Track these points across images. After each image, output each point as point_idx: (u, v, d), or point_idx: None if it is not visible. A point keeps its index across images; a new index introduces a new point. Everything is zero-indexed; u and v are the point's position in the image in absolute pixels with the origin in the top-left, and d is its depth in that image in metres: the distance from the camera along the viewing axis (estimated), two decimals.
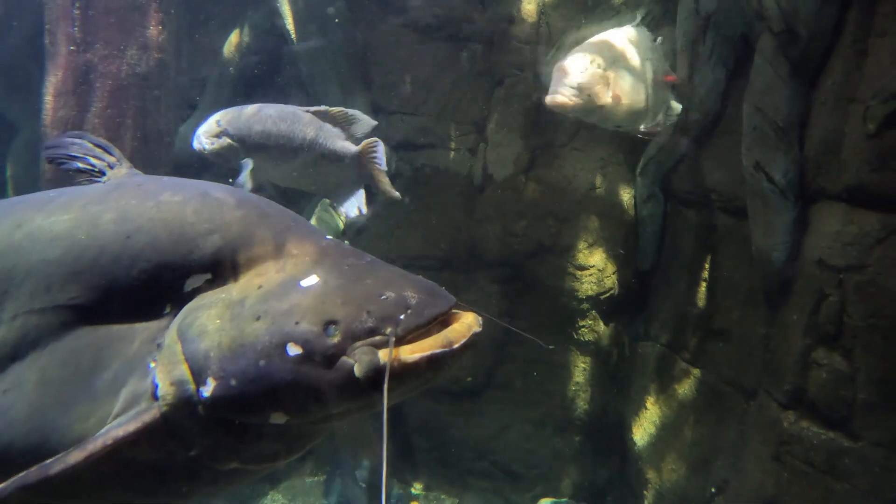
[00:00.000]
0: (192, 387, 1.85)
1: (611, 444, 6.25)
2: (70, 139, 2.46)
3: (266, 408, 1.86)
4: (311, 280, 1.95)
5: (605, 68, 4.13)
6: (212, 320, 1.91)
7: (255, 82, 6.85)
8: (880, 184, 3.52)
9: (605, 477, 6.33)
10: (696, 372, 5.36)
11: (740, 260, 4.90)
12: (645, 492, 5.58)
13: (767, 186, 4.29)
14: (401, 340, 1.84)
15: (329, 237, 2.18)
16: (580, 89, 4.04)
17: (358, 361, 1.80)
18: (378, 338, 1.83)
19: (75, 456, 1.76)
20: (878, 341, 3.58)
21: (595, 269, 6.09)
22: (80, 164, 2.42)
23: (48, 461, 1.77)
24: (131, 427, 1.80)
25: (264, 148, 4.40)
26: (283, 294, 1.92)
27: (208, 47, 6.73)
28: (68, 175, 2.45)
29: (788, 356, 4.12)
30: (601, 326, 6.25)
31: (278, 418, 1.88)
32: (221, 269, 2.04)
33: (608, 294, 6.15)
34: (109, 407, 1.91)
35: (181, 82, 5.84)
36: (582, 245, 6.12)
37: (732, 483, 4.70)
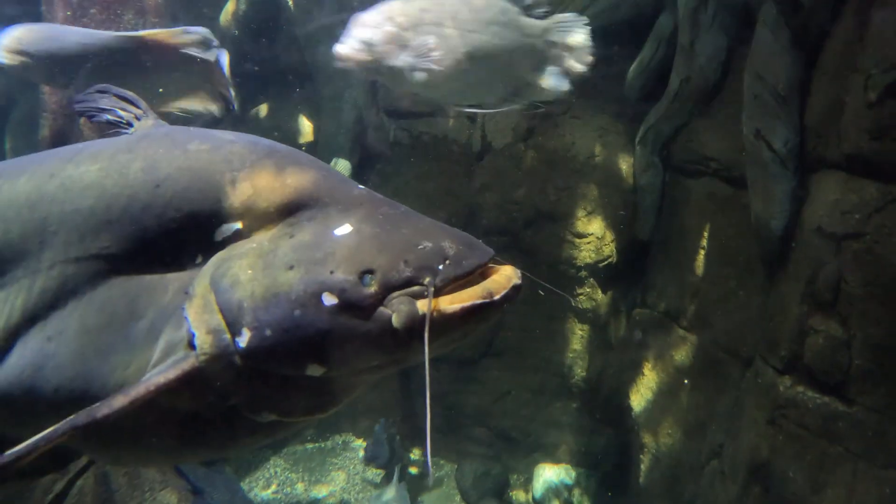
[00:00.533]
0: (227, 336, 1.86)
1: (608, 411, 6.34)
2: (98, 93, 2.46)
3: (302, 359, 1.85)
4: (345, 229, 1.92)
5: (405, 29, 3.69)
6: (244, 270, 1.90)
7: (252, 54, 6.80)
8: (880, 153, 3.54)
9: (602, 443, 6.44)
10: (693, 339, 5.43)
11: (739, 228, 4.94)
12: (641, 456, 5.68)
13: (767, 155, 4.31)
14: (439, 291, 1.81)
15: (361, 186, 2.14)
16: (368, 44, 3.66)
17: (396, 312, 1.77)
18: (416, 288, 1.80)
19: (119, 400, 1.79)
20: (874, 308, 3.63)
21: (593, 237, 6.13)
22: (110, 117, 2.42)
23: (95, 405, 1.81)
24: (171, 374, 1.82)
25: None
26: (317, 243, 1.90)
27: (205, 16, 6.66)
28: (98, 128, 2.48)
29: (785, 323, 4.18)
30: (599, 294, 6.31)
31: (315, 370, 1.86)
32: (252, 218, 2.02)
33: (606, 262, 6.19)
34: (147, 355, 1.93)
35: None
36: (580, 213, 6.15)
37: (728, 447, 4.80)
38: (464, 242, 1.91)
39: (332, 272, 1.82)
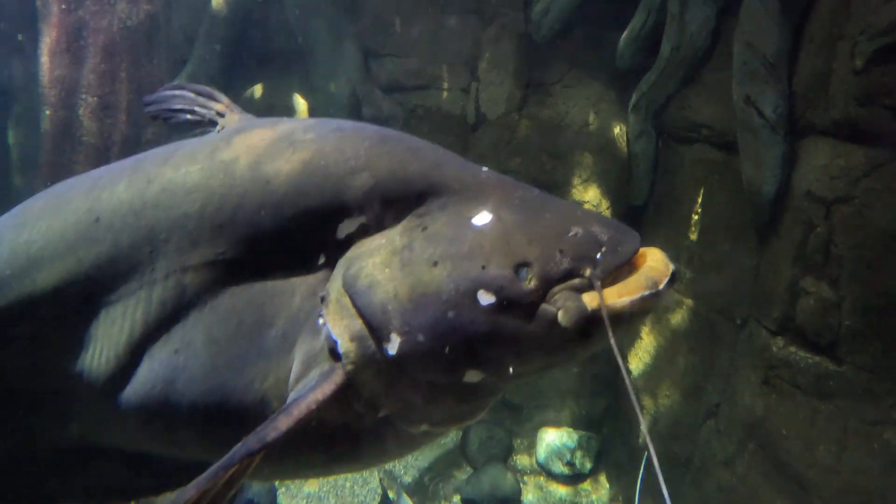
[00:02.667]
0: (372, 343, 1.69)
1: (607, 375, 6.49)
2: (170, 92, 2.29)
3: (460, 365, 1.66)
4: (484, 217, 1.72)
5: None
6: (379, 269, 1.72)
7: (244, 34, 6.79)
8: (867, 119, 3.60)
9: (602, 406, 6.59)
10: (689, 302, 5.54)
11: (731, 193, 5.02)
12: (641, 417, 5.83)
13: (758, 121, 4.37)
14: (602, 283, 1.62)
15: (485, 168, 1.93)
16: None
17: (563, 309, 1.57)
18: (576, 281, 1.60)
19: (285, 422, 1.62)
20: (862, 270, 3.73)
21: (589, 204, 6.21)
22: (189, 116, 2.24)
23: (259, 429, 1.62)
24: (328, 389, 1.67)
25: None
26: (457, 235, 1.70)
27: (197, 1, 6.65)
28: (176, 128, 2.28)
29: (777, 285, 4.28)
30: None
31: (473, 376, 1.68)
32: (376, 211, 1.82)
33: None
34: (284, 366, 1.79)
35: (171, 34, 5.81)
36: (576, 181, 6.22)
37: (723, 407, 4.93)
38: (612, 226, 1.72)
39: (483, 267, 1.63)
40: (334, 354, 1.73)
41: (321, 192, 1.84)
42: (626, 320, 1.60)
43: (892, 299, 3.60)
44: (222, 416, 1.82)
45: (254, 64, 7.02)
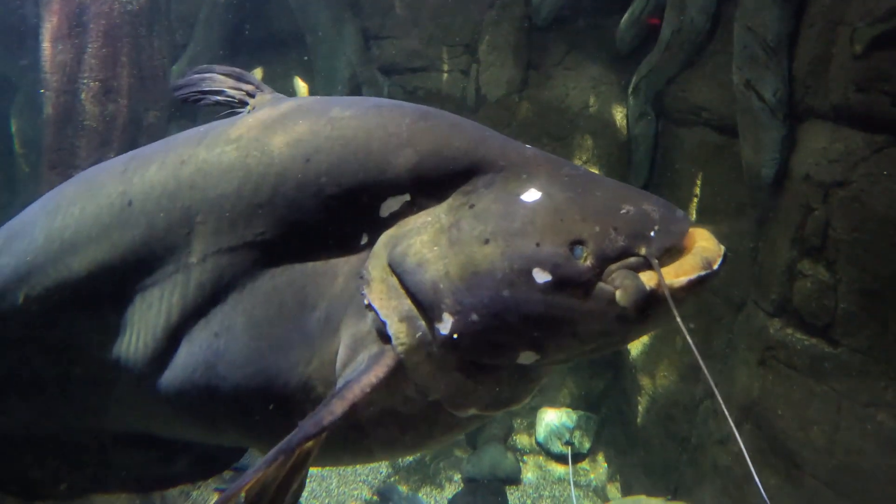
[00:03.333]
0: (423, 323, 1.65)
1: (605, 357, 6.56)
2: (199, 75, 2.22)
3: (515, 346, 1.63)
4: (533, 194, 1.67)
5: None
6: (427, 247, 1.67)
7: (244, 18, 6.78)
8: (866, 104, 3.63)
9: (601, 386, 6.67)
10: None
11: (730, 176, 5.05)
12: (639, 398, 5.91)
13: (757, 104, 4.40)
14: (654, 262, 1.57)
15: (528, 145, 1.87)
16: None
17: (621, 288, 1.53)
18: (632, 259, 1.56)
19: (340, 406, 1.58)
20: (859, 254, 3.78)
21: None
22: (219, 98, 2.18)
23: (315, 414, 1.59)
24: (380, 372, 1.62)
25: None
26: (506, 212, 1.65)
27: None
28: (206, 110, 2.23)
29: (775, 267, 4.33)
30: None
31: (528, 357, 1.64)
32: (420, 188, 1.77)
33: None
34: (329, 349, 1.75)
35: (172, 19, 5.81)
36: (576, 163, 6.23)
37: (721, 387, 5.01)
38: (662, 205, 1.67)
39: (538, 244, 1.58)
40: (383, 336, 1.68)
41: (363, 170, 1.77)
42: (682, 301, 1.55)
43: (888, 283, 3.65)
44: (265, 401, 1.79)
45: (254, 47, 7.01)
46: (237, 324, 1.84)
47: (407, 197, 1.77)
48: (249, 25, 6.78)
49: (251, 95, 2.17)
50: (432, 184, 1.76)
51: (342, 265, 1.80)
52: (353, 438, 1.80)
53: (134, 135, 5.41)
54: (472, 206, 1.70)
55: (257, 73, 7.19)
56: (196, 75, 2.22)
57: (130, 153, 2.19)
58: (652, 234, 1.58)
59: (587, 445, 6.61)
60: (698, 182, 5.45)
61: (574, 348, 1.64)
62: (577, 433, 6.60)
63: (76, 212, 2.10)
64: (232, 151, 1.90)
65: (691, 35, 5.14)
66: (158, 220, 1.95)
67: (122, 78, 5.23)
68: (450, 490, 6.60)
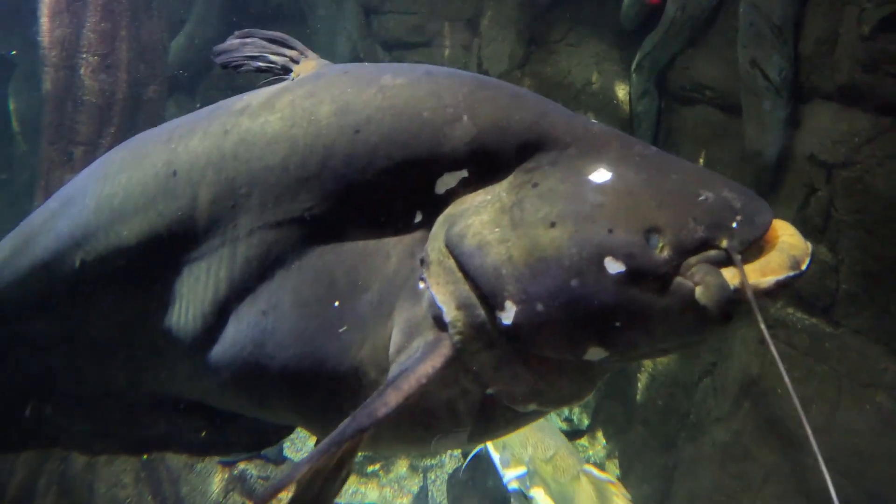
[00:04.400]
0: (482, 311, 1.54)
1: None
2: (240, 40, 2.12)
3: (582, 340, 1.49)
4: (603, 175, 1.53)
5: None
6: (488, 228, 1.55)
7: None
8: (872, 85, 3.62)
9: None
10: None
11: (733, 155, 5.03)
12: (639, 375, 5.95)
13: (762, 84, 4.37)
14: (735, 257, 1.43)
15: (594, 120, 1.74)
16: None
17: (702, 284, 1.40)
18: (713, 253, 1.42)
19: (394, 396, 1.48)
20: (862, 235, 3.79)
21: None
22: (261, 64, 2.07)
23: (368, 404, 1.50)
24: (437, 361, 1.52)
25: None
26: (574, 193, 1.52)
27: None
28: (249, 75, 2.13)
29: None
30: None
31: (595, 353, 1.50)
32: (479, 163, 1.64)
33: None
34: (381, 333, 1.65)
35: None
36: None
37: (720, 365, 5.04)
38: (742, 192, 1.53)
39: (610, 231, 1.45)
40: (440, 323, 1.57)
41: (417, 143, 1.66)
42: (767, 304, 1.41)
43: (890, 265, 3.67)
44: (315, 383, 1.72)
45: (253, 23, 6.93)
46: (285, 302, 1.77)
47: (465, 173, 1.65)
48: (249, 0, 6.72)
49: (295, 61, 2.06)
50: (492, 159, 1.63)
51: (395, 244, 1.69)
52: (405, 428, 1.69)
53: (133, 110, 5.38)
54: (535, 185, 1.57)
55: None
56: (237, 40, 2.12)
57: (175, 121, 2.12)
58: (734, 224, 1.44)
59: (586, 422, 6.66)
60: (701, 161, 5.42)
61: (646, 347, 1.51)
62: (576, 410, 6.66)
63: (123, 180, 2.06)
64: (276, 121, 1.81)
65: (696, 12, 5.08)
66: (202, 192, 1.89)
67: (121, 52, 5.19)
68: (450, 465, 6.67)
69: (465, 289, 1.55)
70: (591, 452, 6.56)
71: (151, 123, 5.52)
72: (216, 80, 7.25)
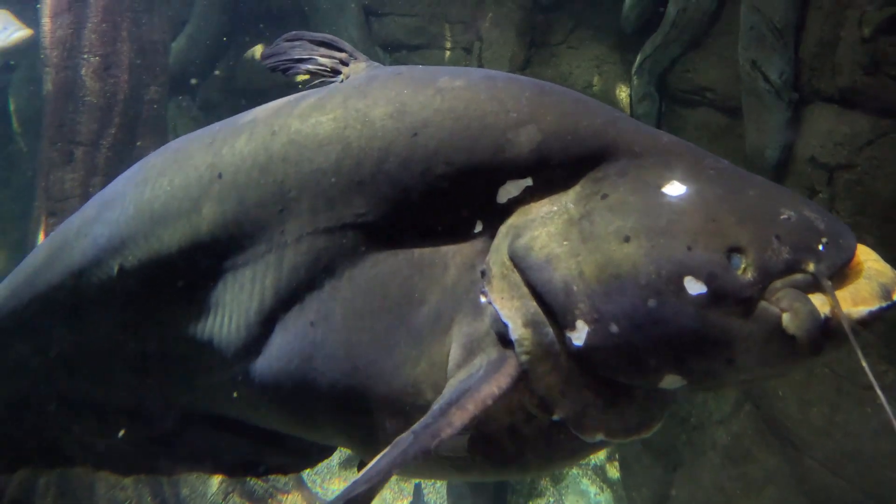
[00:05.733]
0: (551, 330, 1.44)
1: None
2: (289, 42, 2.06)
3: (660, 367, 1.38)
4: (677, 188, 1.44)
5: None
6: (556, 240, 1.46)
7: None
8: (873, 88, 3.62)
9: None
10: None
11: (734, 157, 4.97)
12: None
13: (763, 86, 4.37)
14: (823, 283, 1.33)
15: (661, 130, 1.66)
16: None
17: (790, 311, 1.30)
18: (799, 276, 1.33)
19: (459, 417, 1.38)
20: (862, 237, 3.76)
21: None
22: (310, 66, 2.00)
23: (432, 423, 1.40)
24: (503, 382, 1.42)
25: None
26: (648, 206, 1.43)
27: None
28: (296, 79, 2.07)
29: None
30: None
31: (672, 382, 1.41)
32: (543, 172, 1.55)
33: None
34: (439, 349, 1.55)
35: None
36: None
37: None
38: (823, 212, 1.44)
39: (689, 248, 1.35)
40: (504, 341, 1.47)
41: (479, 148, 1.58)
42: (859, 335, 1.30)
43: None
44: (367, 401, 1.62)
45: (254, 23, 6.95)
46: (335, 314, 1.68)
47: (529, 181, 1.56)
48: (249, 1, 6.72)
49: (345, 63, 1.99)
50: (558, 168, 1.55)
51: (454, 255, 1.60)
52: (475, 455, 1.59)
53: (134, 110, 5.38)
54: (604, 197, 1.48)
55: (257, 51, 7.13)
56: (286, 43, 2.05)
57: (216, 124, 2.07)
58: (820, 247, 1.35)
59: None
60: None
61: (726, 376, 1.41)
62: None
63: (165, 183, 2.01)
64: (328, 122, 1.74)
65: (697, 14, 5.09)
66: (249, 196, 1.82)
67: (122, 53, 5.19)
68: None
69: (533, 305, 1.46)
70: (591, 455, 6.55)
71: (153, 124, 5.52)
72: (217, 80, 7.25)
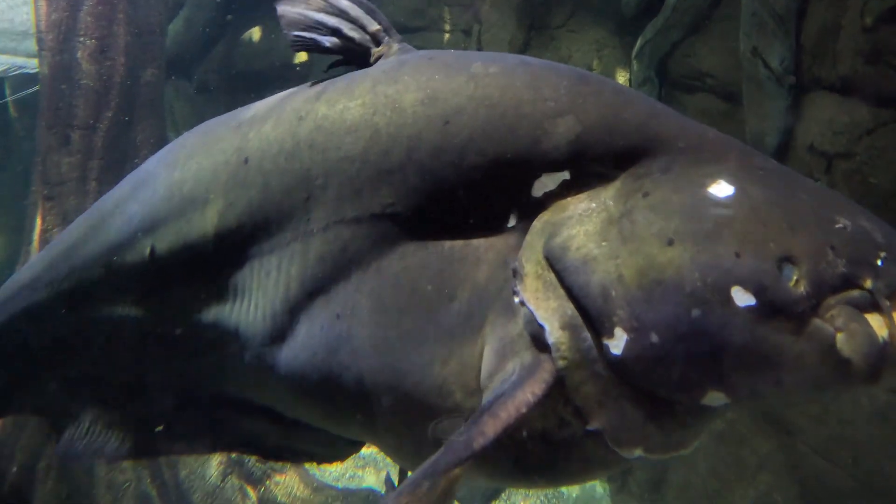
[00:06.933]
0: (588, 335, 1.34)
1: None
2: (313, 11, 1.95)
3: (703, 382, 1.28)
4: (725, 188, 1.34)
5: None
6: (594, 240, 1.37)
7: None
8: (873, 77, 3.60)
9: None
10: None
11: None
12: None
13: (763, 72, 4.36)
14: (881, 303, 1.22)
15: (708, 126, 1.55)
16: None
17: (845, 332, 1.19)
18: (856, 293, 1.22)
19: (492, 426, 1.31)
20: None
21: None
22: (336, 40, 1.89)
23: (464, 433, 1.33)
24: (538, 389, 1.33)
25: None
26: (693, 207, 1.33)
27: None
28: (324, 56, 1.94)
29: None
30: None
31: (715, 399, 1.30)
32: (582, 166, 1.46)
33: None
34: (469, 349, 1.47)
35: None
36: None
37: None
38: (879, 222, 1.32)
39: (737, 255, 1.25)
40: (539, 344, 1.38)
41: (514, 138, 1.49)
42: None
43: None
44: (393, 399, 1.56)
45: (251, 6, 6.88)
46: (362, 307, 1.61)
47: (566, 175, 1.47)
48: None
49: (376, 42, 1.87)
50: (597, 162, 1.46)
51: (486, 250, 1.51)
52: (491, 460, 1.49)
53: (131, 93, 5.35)
54: (646, 195, 1.37)
55: (255, 33, 7.08)
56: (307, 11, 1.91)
57: (247, 106, 2.01)
58: (879, 262, 1.23)
59: None
60: None
61: (772, 396, 1.31)
62: None
63: (193, 166, 1.98)
64: (357, 108, 1.67)
65: (698, 0, 5.06)
66: (274, 182, 1.77)
67: (118, 35, 5.15)
68: None
69: (570, 307, 1.36)
70: None
71: (150, 107, 5.49)
72: (214, 63, 7.20)
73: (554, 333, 1.36)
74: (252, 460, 5.62)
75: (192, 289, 2.00)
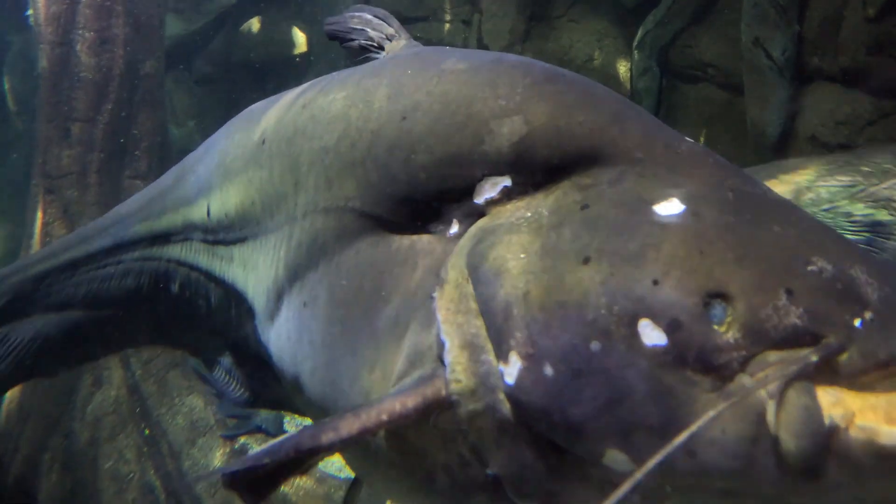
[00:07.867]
0: (490, 358, 1.16)
1: None
2: (351, 13, 2.10)
3: (599, 435, 1.04)
4: (673, 206, 1.13)
5: None
6: (513, 252, 1.21)
7: None
8: (876, 68, 3.61)
9: None
10: None
11: (735, 134, 5.02)
12: None
13: (765, 63, 4.35)
14: (852, 378, 0.92)
15: (689, 139, 1.35)
16: None
17: (779, 402, 0.91)
18: (807, 354, 0.92)
19: (346, 427, 1.19)
20: None
21: None
22: (361, 40, 2.02)
23: (322, 426, 1.23)
24: (409, 401, 1.18)
25: None
26: (626, 223, 1.13)
27: None
28: (351, 51, 2.11)
29: None
30: None
31: (615, 460, 1.03)
32: (524, 171, 1.32)
33: None
34: (392, 357, 1.37)
35: None
36: None
37: None
38: (885, 275, 1.02)
39: (655, 282, 1.03)
40: (440, 360, 1.23)
41: (460, 138, 1.39)
42: (882, 475, 0.89)
43: None
44: (331, 402, 1.53)
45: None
46: (321, 298, 1.60)
47: (507, 181, 1.33)
48: None
49: (389, 39, 1.98)
50: (542, 168, 1.31)
51: (424, 255, 1.41)
52: (403, 476, 1.40)
53: (131, 85, 5.34)
54: (584, 207, 1.20)
55: (254, 24, 7.05)
56: (348, 13, 2.13)
57: (294, 89, 2.04)
58: (857, 322, 0.94)
59: None
60: (702, 139, 5.41)
61: (692, 477, 0.99)
62: None
63: (235, 140, 2.15)
64: (341, 100, 1.67)
65: None
66: (276, 165, 1.84)
67: (117, 28, 5.14)
68: None
69: (477, 325, 1.19)
70: None
71: (150, 99, 5.49)
72: (214, 54, 7.18)
73: (452, 352, 1.20)
74: (255, 450, 5.64)
75: (230, 250, 2.17)
